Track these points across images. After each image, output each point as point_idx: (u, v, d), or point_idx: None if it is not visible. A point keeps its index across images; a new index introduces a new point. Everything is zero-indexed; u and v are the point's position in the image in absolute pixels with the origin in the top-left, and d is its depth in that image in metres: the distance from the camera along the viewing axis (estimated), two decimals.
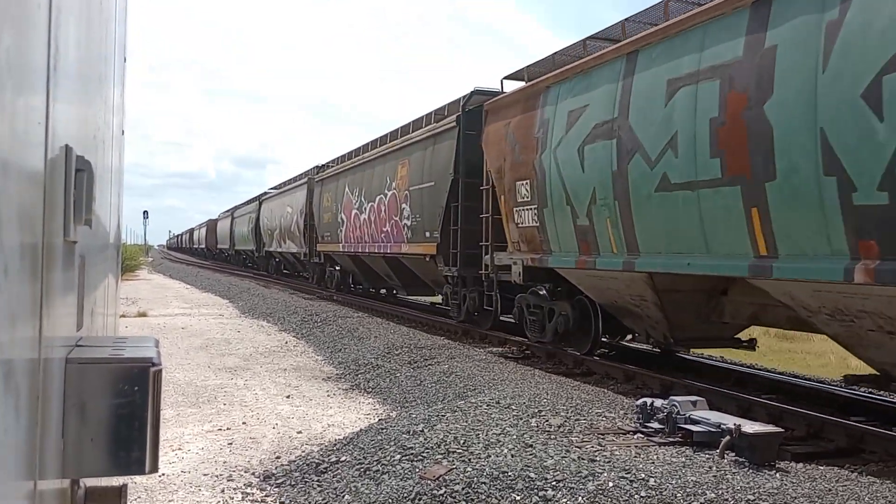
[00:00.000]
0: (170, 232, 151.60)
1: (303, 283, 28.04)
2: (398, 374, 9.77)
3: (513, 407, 6.80)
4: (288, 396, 8.83)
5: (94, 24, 1.46)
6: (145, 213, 69.85)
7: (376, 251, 17.68)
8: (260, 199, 37.50)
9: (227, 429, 7.23)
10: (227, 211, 55.67)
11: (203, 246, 70.31)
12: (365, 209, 18.52)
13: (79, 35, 1.20)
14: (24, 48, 0.75)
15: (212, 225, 63.61)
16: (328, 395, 9.02)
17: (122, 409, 1.11)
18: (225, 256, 57.51)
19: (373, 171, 18.16)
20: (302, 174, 28.89)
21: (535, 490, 4.61)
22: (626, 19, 9.22)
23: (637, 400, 6.75)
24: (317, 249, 24.23)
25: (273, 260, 35.78)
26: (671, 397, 6.48)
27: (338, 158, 23.06)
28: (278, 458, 6.27)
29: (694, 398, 6.42)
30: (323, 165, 25.09)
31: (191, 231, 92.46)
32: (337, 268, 23.34)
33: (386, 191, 16.97)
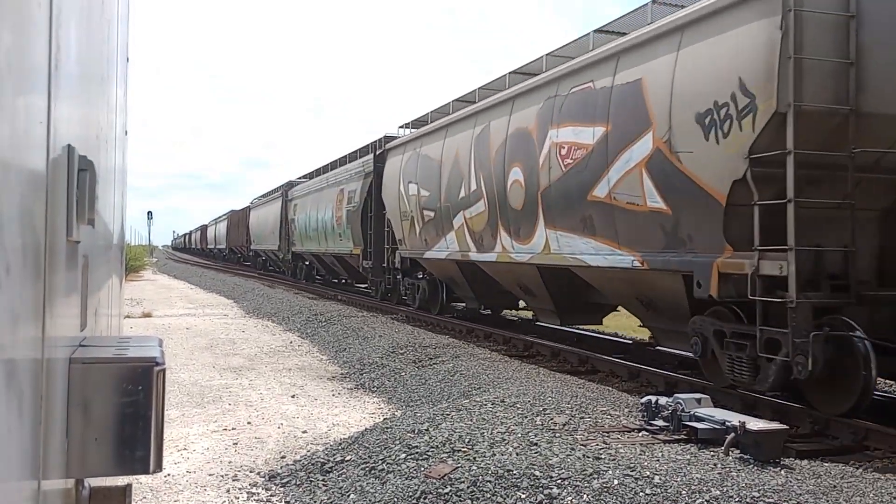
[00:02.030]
0: (174, 232, 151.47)
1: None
2: (403, 374, 9.77)
3: (517, 405, 6.80)
4: (293, 396, 8.84)
5: (95, 24, 1.46)
6: (149, 213, 69.68)
7: None
8: (378, 147, 18.41)
9: (232, 429, 7.24)
10: (270, 193, 35.83)
11: (223, 246, 53.05)
12: None
13: (80, 35, 1.20)
14: (24, 48, 0.75)
15: (238, 217, 43.97)
16: (333, 395, 9.02)
17: (126, 409, 1.11)
18: (263, 261, 38.39)
19: None
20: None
21: (541, 488, 4.61)
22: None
23: (641, 398, 6.74)
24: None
25: (437, 286, 15.60)
26: (676, 395, 6.48)
27: None
28: (283, 457, 6.28)
29: (698, 395, 6.42)
30: None
31: (202, 228, 76.49)
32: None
33: None
